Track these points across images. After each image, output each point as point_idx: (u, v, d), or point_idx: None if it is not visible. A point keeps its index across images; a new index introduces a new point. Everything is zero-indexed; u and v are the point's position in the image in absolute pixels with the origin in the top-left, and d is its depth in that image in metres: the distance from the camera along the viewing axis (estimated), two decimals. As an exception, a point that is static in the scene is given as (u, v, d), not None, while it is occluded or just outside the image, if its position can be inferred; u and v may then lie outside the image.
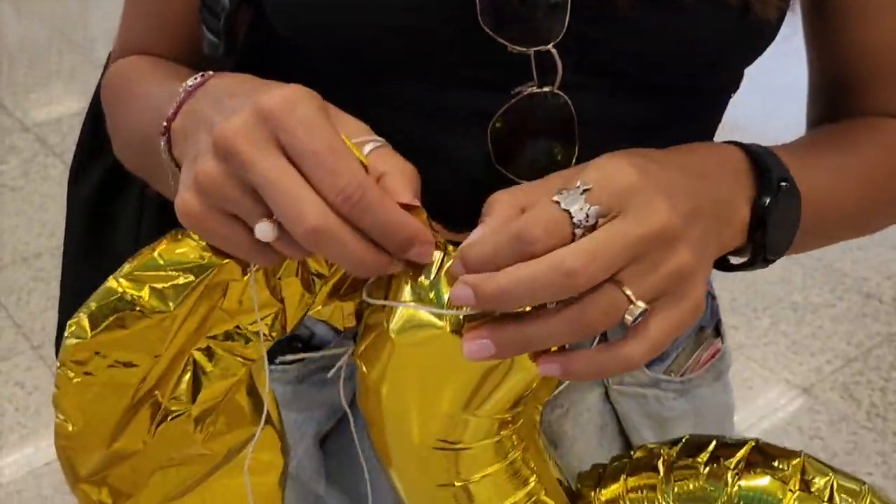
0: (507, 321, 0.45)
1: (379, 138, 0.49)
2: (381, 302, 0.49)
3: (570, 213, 0.44)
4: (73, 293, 0.85)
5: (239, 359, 0.54)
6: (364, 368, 0.52)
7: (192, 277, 0.49)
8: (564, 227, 0.44)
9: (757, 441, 0.55)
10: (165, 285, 0.49)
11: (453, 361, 0.48)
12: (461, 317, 0.47)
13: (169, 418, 0.54)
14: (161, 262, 0.50)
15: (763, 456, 0.54)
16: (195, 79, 0.52)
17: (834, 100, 0.68)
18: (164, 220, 0.77)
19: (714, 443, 0.55)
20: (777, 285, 2.48)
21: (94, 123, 0.79)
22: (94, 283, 0.82)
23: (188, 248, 0.50)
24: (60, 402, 0.52)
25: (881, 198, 0.64)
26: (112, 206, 0.80)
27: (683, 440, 0.56)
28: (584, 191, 0.45)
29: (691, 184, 0.48)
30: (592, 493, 0.57)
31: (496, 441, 0.52)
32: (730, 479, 0.53)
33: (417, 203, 0.47)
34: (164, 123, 0.51)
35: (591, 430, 0.71)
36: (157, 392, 0.53)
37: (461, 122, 0.58)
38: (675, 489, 0.54)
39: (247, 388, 0.57)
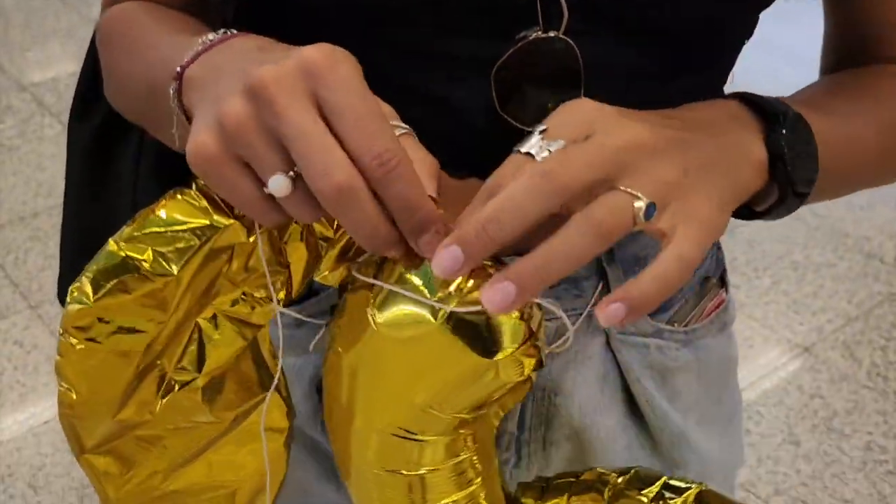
0: (518, 261, 0.43)
1: (404, 125, 0.48)
2: (371, 280, 0.48)
3: (531, 155, 0.44)
4: (74, 234, 0.86)
5: (245, 326, 0.53)
6: (338, 346, 0.51)
7: (195, 240, 0.48)
8: (524, 168, 0.44)
9: (703, 487, 0.54)
10: (168, 248, 0.48)
11: (433, 360, 0.47)
12: (448, 312, 0.46)
13: (176, 388, 0.53)
14: (163, 223, 0.48)
15: (705, 497, 0.54)
16: (216, 34, 0.51)
17: (848, 48, 0.67)
18: (161, 165, 0.77)
19: (662, 480, 0.55)
20: (778, 244, 2.47)
21: (97, 63, 0.79)
22: (93, 226, 0.83)
23: (190, 209, 0.48)
24: (63, 369, 0.51)
25: None
26: (113, 150, 0.79)
27: (633, 471, 0.56)
28: (541, 131, 0.45)
29: (670, 122, 0.48)
30: None
31: (451, 439, 0.52)
32: None
33: (436, 197, 0.46)
34: (178, 69, 0.50)
35: (593, 380, 0.70)
36: (161, 361, 0.52)
37: (464, 69, 0.56)
38: None
39: (252, 355, 0.56)
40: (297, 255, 0.52)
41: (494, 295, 0.42)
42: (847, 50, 0.68)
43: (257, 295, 0.52)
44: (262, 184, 0.44)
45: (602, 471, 0.57)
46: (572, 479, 0.57)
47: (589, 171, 0.43)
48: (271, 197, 0.44)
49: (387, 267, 0.48)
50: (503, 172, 0.45)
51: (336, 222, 0.53)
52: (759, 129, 0.52)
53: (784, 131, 0.51)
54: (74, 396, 0.51)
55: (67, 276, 0.88)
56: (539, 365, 0.48)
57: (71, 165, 0.84)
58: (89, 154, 0.81)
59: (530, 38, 0.54)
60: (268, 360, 0.56)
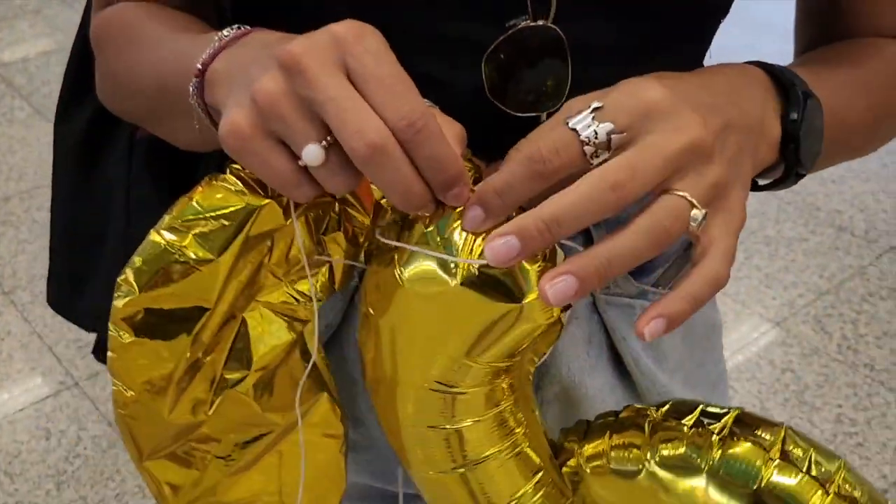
0: (580, 255, 0.45)
1: (428, 101, 0.49)
2: (394, 243, 0.49)
3: (577, 132, 0.45)
4: (64, 235, 0.86)
5: (291, 320, 0.54)
6: (370, 309, 0.52)
7: (232, 224, 0.49)
8: (572, 146, 0.45)
9: (741, 410, 0.56)
10: (207, 234, 0.49)
11: (461, 312, 0.48)
12: (474, 269, 0.47)
13: (227, 387, 0.54)
14: (200, 209, 0.49)
15: (746, 425, 0.55)
16: (230, 29, 0.53)
17: (824, 23, 0.68)
18: (153, 163, 0.78)
19: (700, 408, 0.56)
20: (751, 219, 2.48)
21: (80, 63, 0.79)
22: (84, 226, 0.83)
23: (226, 193, 0.49)
24: (114, 366, 0.52)
25: (891, 111, 0.65)
26: (101, 149, 0.80)
27: (670, 403, 0.57)
28: (595, 109, 0.46)
29: (717, 101, 0.49)
30: (576, 447, 0.58)
31: (489, 389, 0.53)
32: (714, 445, 0.53)
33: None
34: (199, 66, 0.51)
35: (579, 340, 0.71)
36: (211, 358, 0.53)
37: (454, 53, 0.58)
38: (660, 450, 0.55)
39: (302, 354, 0.56)
40: (337, 244, 0.53)
41: (557, 286, 0.44)
42: (824, 26, 0.68)
43: (300, 288, 0.53)
44: (295, 159, 0.46)
45: (639, 406, 0.58)
46: (612, 419, 0.58)
47: (653, 180, 0.45)
48: (305, 171, 0.46)
49: (408, 228, 0.49)
50: (545, 141, 0.46)
51: (372, 205, 0.54)
52: (777, 104, 0.54)
53: (800, 112, 0.53)
54: (127, 394, 0.52)
55: (58, 277, 0.88)
56: (567, 306, 0.49)
57: (58, 167, 0.84)
58: (77, 155, 0.81)
59: (519, 26, 0.56)
60: (312, 352, 0.57)
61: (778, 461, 0.53)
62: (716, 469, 0.53)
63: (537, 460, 0.57)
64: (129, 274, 0.49)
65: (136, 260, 0.49)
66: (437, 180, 0.46)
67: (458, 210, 0.48)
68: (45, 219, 2.50)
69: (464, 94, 0.58)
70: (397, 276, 0.49)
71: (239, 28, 0.53)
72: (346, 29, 0.45)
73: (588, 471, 0.57)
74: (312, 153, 0.45)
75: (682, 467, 0.54)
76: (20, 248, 2.39)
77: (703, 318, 0.78)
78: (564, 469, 0.58)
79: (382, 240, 0.51)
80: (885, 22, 0.65)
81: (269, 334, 0.54)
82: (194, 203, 0.49)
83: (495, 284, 0.48)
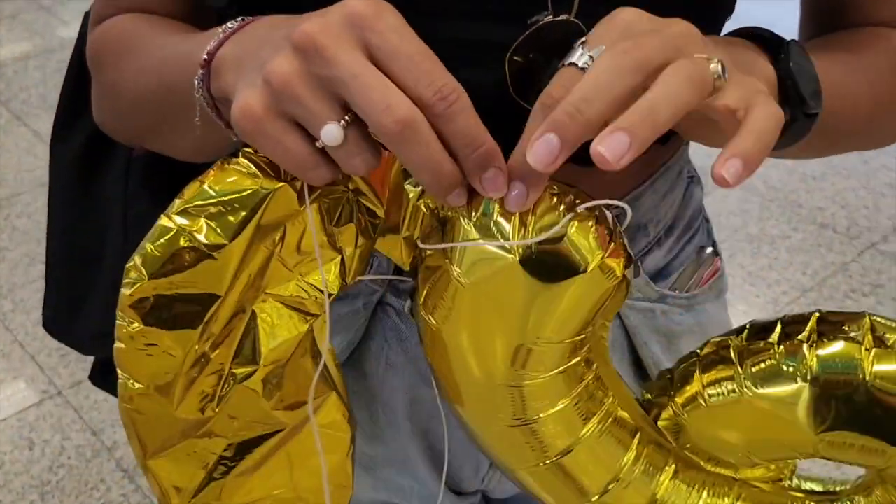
0: (625, 113, 0.42)
1: None
2: (442, 245, 0.48)
3: (575, 65, 0.45)
4: (60, 255, 0.85)
5: (301, 314, 0.53)
6: (429, 318, 0.51)
7: (245, 208, 0.48)
8: (574, 76, 0.44)
9: (819, 311, 0.54)
10: (219, 218, 0.47)
11: (526, 294, 0.47)
12: (532, 248, 0.46)
13: (236, 382, 0.53)
14: (212, 193, 0.48)
15: (831, 324, 0.53)
16: (234, 22, 0.51)
17: (827, 22, 0.68)
18: (151, 178, 0.77)
19: (779, 322, 0.54)
20: (733, 217, 2.49)
21: (77, 82, 0.79)
22: (81, 245, 0.82)
23: (238, 176, 0.48)
24: (121, 357, 0.50)
25: (892, 100, 0.64)
26: (99, 168, 0.79)
27: (747, 327, 0.56)
28: (582, 43, 0.46)
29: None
30: (666, 400, 0.56)
31: (569, 367, 0.51)
32: (806, 352, 0.52)
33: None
34: (205, 56, 0.50)
35: None
36: (219, 351, 0.51)
37: (476, 53, 0.57)
38: (754, 374, 0.53)
39: (311, 350, 0.55)
40: (348, 235, 0.52)
41: (612, 144, 0.41)
42: (827, 17, 0.68)
43: (311, 280, 0.52)
44: (311, 140, 0.44)
45: (716, 339, 0.56)
46: (693, 360, 0.56)
47: (660, 49, 0.44)
48: (322, 152, 0.45)
49: (450, 229, 0.48)
50: (554, 85, 0.45)
51: (386, 197, 0.53)
52: (764, 55, 0.54)
53: (785, 52, 0.53)
54: (134, 385, 0.51)
55: (54, 299, 0.87)
56: (629, 261, 0.48)
57: (55, 186, 0.84)
58: (74, 174, 0.81)
59: (541, 22, 0.55)
60: (321, 348, 0.56)
61: (874, 350, 0.51)
62: (816, 375, 0.52)
63: (633, 422, 0.55)
64: (138, 260, 0.48)
65: (146, 245, 0.48)
66: (471, 157, 0.44)
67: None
68: (26, 226, 2.49)
69: (486, 93, 0.57)
70: (454, 277, 0.48)
71: (241, 19, 0.52)
72: (364, 6, 0.43)
73: (686, 416, 0.55)
74: (332, 133, 0.43)
75: (781, 383, 0.52)
76: (0, 256, 2.37)
77: (717, 320, 0.80)
78: (660, 423, 0.57)
79: (427, 247, 0.50)
80: (886, 14, 0.66)
81: (279, 328, 0.52)
82: (206, 187, 0.48)
83: (555, 260, 0.47)
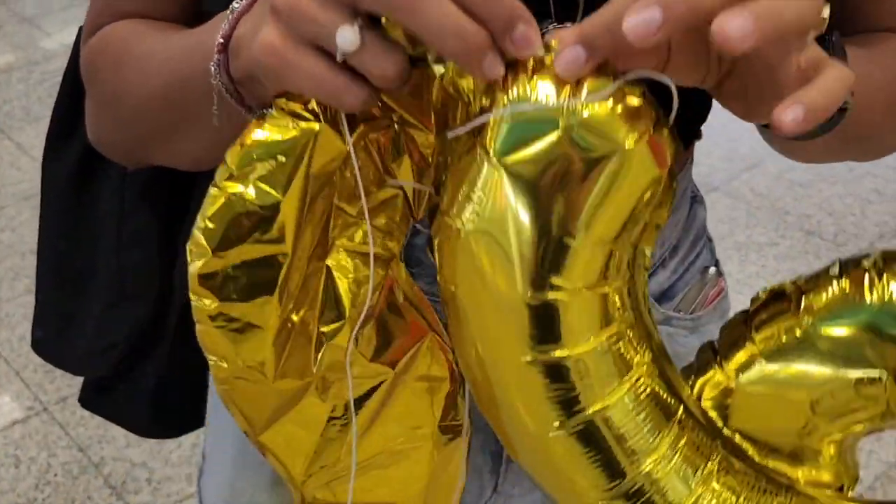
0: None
1: None
2: (478, 121, 0.44)
3: None
4: (51, 273, 0.84)
5: (376, 260, 0.52)
6: (456, 222, 0.46)
7: (291, 156, 0.47)
8: None
9: (880, 250, 0.52)
10: (268, 173, 0.46)
11: (560, 167, 0.43)
12: (578, 116, 0.42)
13: (326, 341, 0.51)
14: (253, 151, 0.47)
15: (892, 254, 0.51)
16: (239, 2, 0.51)
17: (837, 21, 0.67)
18: (150, 191, 0.77)
19: (831, 269, 0.51)
20: (721, 225, 2.49)
21: (70, 100, 0.78)
22: (73, 262, 0.82)
23: (275, 127, 0.47)
24: (205, 338, 0.49)
25: None
26: (93, 184, 0.78)
27: (800, 279, 0.53)
28: None
29: None
30: (715, 370, 0.53)
31: (598, 290, 0.46)
32: (875, 280, 0.49)
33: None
34: (221, 40, 0.50)
35: None
36: (302, 313, 0.50)
37: None
38: (815, 307, 0.50)
39: (387, 295, 0.54)
40: (405, 170, 0.51)
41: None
42: (835, 23, 0.68)
43: (378, 224, 0.51)
44: (333, 59, 0.44)
45: (772, 289, 0.54)
46: (738, 323, 0.53)
47: None
48: (349, 71, 0.44)
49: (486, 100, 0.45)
50: None
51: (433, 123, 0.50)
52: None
53: (832, 45, 0.52)
54: (225, 365, 0.50)
55: (44, 319, 0.86)
56: (674, 155, 0.45)
57: (47, 205, 0.83)
58: (67, 191, 0.80)
59: (546, 31, 0.55)
60: (405, 298, 0.54)
61: None
62: (878, 308, 0.49)
63: (670, 401, 0.50)
64: (197, 236, 0.47)
65: (202, 221, 0.47)
66: (496, 18, 0.42)
67: (532, 66, 0.43)
68: (10, 240, 2.47)
69: None
70: (491, 157, 0.44)
71: (247, 2, 0.51)
72: None
73: (744, 380, 0.52)
74: (347, 36, 0.43)
75: (845, 315, 0.50)
76: (-15, 270, 2.36)
77: None
78: (706, 401, 0.53)
79: (457, 131, 0.46)
80: (892, 22, 0.65)
81: (356, 279, 0.51)
82: (247, 147, 0.47)
83: (600, 129, 0.43)
